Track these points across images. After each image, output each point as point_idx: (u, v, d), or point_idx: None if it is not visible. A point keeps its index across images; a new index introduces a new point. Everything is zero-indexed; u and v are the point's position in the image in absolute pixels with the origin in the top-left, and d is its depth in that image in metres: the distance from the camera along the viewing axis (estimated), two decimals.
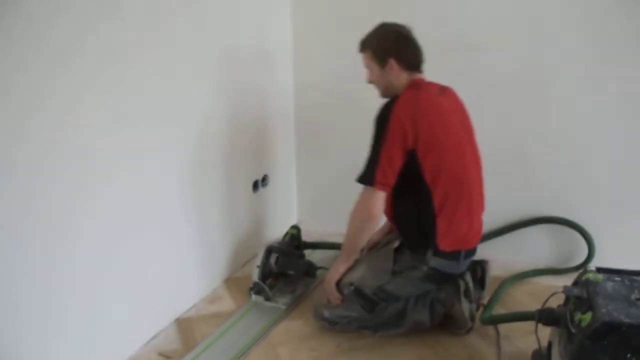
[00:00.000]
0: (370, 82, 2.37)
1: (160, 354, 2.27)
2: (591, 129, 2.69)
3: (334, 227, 3.31)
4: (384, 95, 2.35)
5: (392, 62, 2.25)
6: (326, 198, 3.44)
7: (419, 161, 2.17)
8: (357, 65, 3.00)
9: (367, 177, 2.21)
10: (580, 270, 2.25)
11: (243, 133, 2.86)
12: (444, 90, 2.31)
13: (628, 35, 2.53)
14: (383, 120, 2.18)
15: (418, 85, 2.25)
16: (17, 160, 1.66)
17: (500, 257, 2.67)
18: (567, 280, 2.18)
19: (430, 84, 2.30)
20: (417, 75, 2.30)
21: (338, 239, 3.13)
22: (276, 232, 3.26)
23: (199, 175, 2.54)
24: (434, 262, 2.26)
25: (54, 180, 1.80)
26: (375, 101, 2.98)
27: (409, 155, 2.17)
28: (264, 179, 3.13)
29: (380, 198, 2.22)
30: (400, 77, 2.27)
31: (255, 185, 3.05)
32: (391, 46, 2.26)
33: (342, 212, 3.32)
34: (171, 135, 2.34)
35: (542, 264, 2.92)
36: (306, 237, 3.02)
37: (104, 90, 1.95)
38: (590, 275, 1.83)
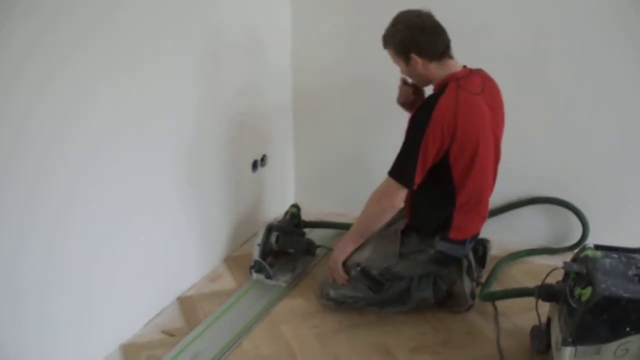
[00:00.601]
0: (403, 74, 2.36)
1: (164, 332, 2.29)
2: (588, 111, 2.71)
3: (331, 207, 3.38)
4: (422, 86, 2.37)
5: (415, 57, 2.18)
6: (323, 179, 3.45)
7: (449, 162, 2.16)
8: (358, 51, 3.05)
9: (404, 178, 2.17)
10: (575, 250, 2.31)
11: (243, 113, 2.86)
12: (485, 85, 2.26)
13: (632, 22, 2.55)
14: (422, 121, 2.12)
15: (458, 81, 2.16)
16: (19, 151, 1.67)
17: (496, 236, 2.69)
18: (562, 259, 2.23)
19: (472, 77, 2.22)
20: (449, 62, 2.23)
21: (335, 219, 3.20)
22: (274, 211, 3.29)
23: (199, 153, 2.54)
24: (441, 245, 2.30)
25: (58, 164, 1.81)
26: (375, 88, 3.03)
27: (441, 155, 2.15)
28: (263, 159, 3.13)
29: (405, 192, 2.21)
30: (428, 68, 2.21)
31: (255, 165, 3.06)
32: (410, 41, 2.18)
33: (339, 192, 3.40)
34: (170, 115, 2.34)
35: (536, 243, 2.96)
36: (303, 217, 3.04)
37: (102, 76, 1.95)
38: (589, 252, 1.88)
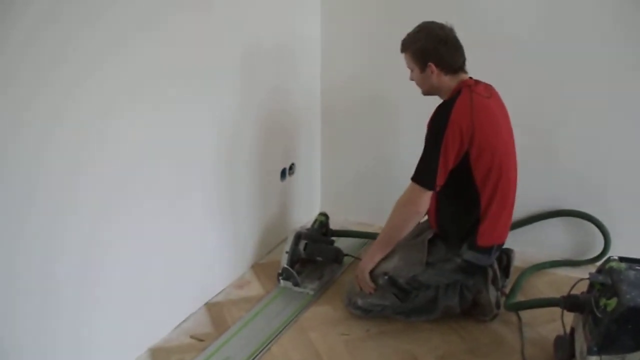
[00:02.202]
0: (413, 80, 2.38)
1: (193, 337, 2.33)
2: (610, 125, 2.73)
3: (356, 217, 3.42)
4: (426, 94, 2.38)
5: (432, 67, 2.25)
6: (349, 188, 3.49)
7: (470, 164, 2.21)
8: (384, 63, 3.08)
9: (427, 181, 2.24)
10: (597, 263, 2.33)
11: (274, 122, 2.91)
12: (491, 92, 2.35)
13: None
14: (441, 123, 2.19)
15: (469, 87, 2.26)
16: (46, 151, 1.70)
17: (518, 248, 2.72)
18: (584, 271, 2.26)
19: (477, 84, 2.31)
20: (462, 76, 2.31)
21: (360, 229, 3.24)
22: (300, 220, 3.33)
23: (232, 162, 2.60)
24: (468, 255, 2.34)
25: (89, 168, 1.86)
26: (400, 99, 3.08)
27: (461, 157, 2.20)
28: (291, 168, 3.18)
29: (429, 196, 2.26)
30: (441, 80, 2.28)
31: (283, 173, 3.10)
32: (431, 51, 2.25)
33: (364, 202, 3.43)
34: (207, 122, 2.40)
35: (558, 255, 2.97)
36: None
37: (154, 76, 2.04)
38: (614, 264, 1.91)
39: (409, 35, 2.31)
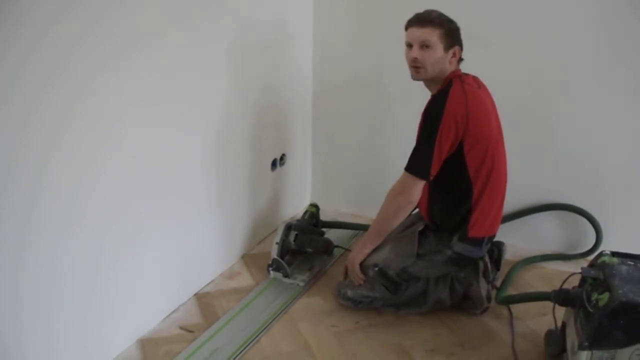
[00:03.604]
0: (418, 58, 2.23)
1: (182, 328, 2.32)
2: (603, 118, 2.73)
3: (347, 208, 3.42)
4: (423, 77, 2.29)
5: (457, 51, 2.26)
6: (340, 179, 3.49)
7: (464, 154, 2.21)
8: (376, 55, 3.07)
9: (421, 171, 2.23)
10: (588, 257, 2.33)
11: (264, 112, 2.89)
12: (479, 83, 2.34)
13: None
14: (436, 113, 2.18)
15: (460, 77, 2.26)
16: (33, 139, 1.68)
17: (510, 241, 2.72)
18: (575, 265, 2.26)
19: (466, 76, 2.31)
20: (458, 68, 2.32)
21: (350, 220, 3.24)
22: (291, 210, 3.33)
23: (221, 151, 2.58)
24: (459, 247, 2.34)
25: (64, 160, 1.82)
26: (392, 90, 3.07)
27: (455, 147, 2.20)
28: (282, 158, 3.17)
29: (421, 186, 2.26)
30: (450, 67, 2.27)
31: (274, 164, 3.09)
32: (459, 35, 2.27)
33: (355, 193, 3.43)
34: (196, 113, 2.38)
35: (549, 249, 2.98)
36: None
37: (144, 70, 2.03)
38: (606, 259, 1.91)
39: (436, 13, 2.24)
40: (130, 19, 1.91)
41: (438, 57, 2.22)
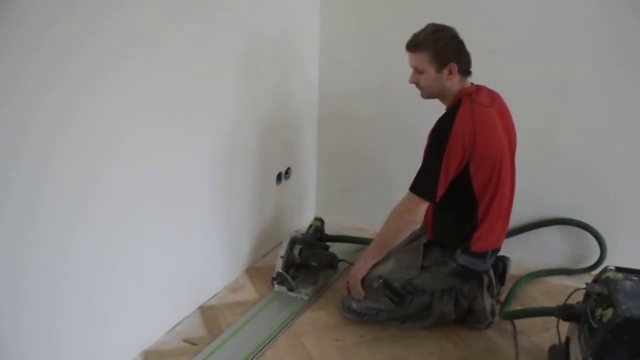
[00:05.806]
0: (416, 82, 2.30)
1: (185, 341, 2.32)
2: (607, 135, 2.74)
3: (351, 222, 3.41)
4: (428, 97, 2.32)
5: (454, 67, 2.21)
6: (345, 194, 3.49)
7: (470, 174, 2.20)
8: (383, 69, 3.08)
9: (427, 192, 2.22)
10: (592, 272, 2.32)
11: (271, 126, 2.90)
12: (493, 98, 2.32)
13: None
14: (443, 134, 2.16)
15: (470, 95, 2.23)
16: (32, 140, 1.67)
17: (514, 256, 2.72)
18: (579, 280, 2.25)
19: (480, 91, 2.29)
20: (467, 81, 2.30)
21: (355, 234, 3.24)
22: (295, 224, 3.34)
23: (226, 165, 2.58)
24: (463, 259, 2.34)
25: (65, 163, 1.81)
26: (397, 106, 3.07)
27: (461, 168, 2.19)
28: (287, 172, 3.17)
29: (426, 206, 2.26)
30: (454, 82, 2.24)
31: (279, 177, 3.10)
32: (454, 51, 2.21)
33: (359, 207, 3.43)
34: (203, 126, 2.39)
35: (554, 264, 2.98)
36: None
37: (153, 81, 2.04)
38: (610, 274, 1.90)
39: (425, 34, 2.22)
40: (130, 19, 1.91)
41: (432, 79, 2.25)
